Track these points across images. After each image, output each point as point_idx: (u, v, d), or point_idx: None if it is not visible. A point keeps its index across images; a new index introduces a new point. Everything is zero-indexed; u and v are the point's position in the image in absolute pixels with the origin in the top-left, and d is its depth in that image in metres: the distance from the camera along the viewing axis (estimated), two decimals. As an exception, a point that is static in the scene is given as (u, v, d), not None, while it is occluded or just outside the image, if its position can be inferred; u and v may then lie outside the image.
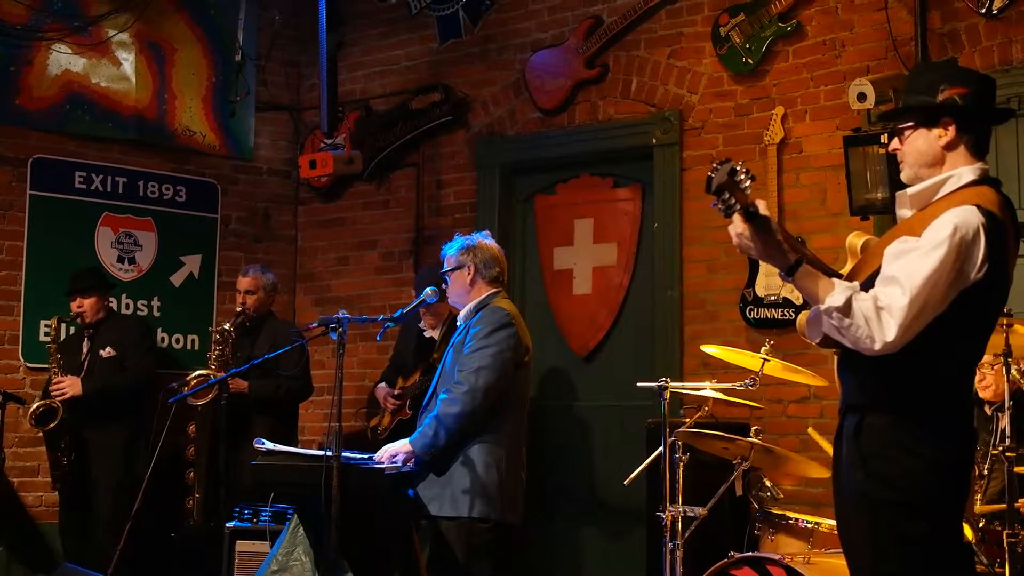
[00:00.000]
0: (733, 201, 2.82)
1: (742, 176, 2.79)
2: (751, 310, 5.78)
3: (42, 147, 6.83)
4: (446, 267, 4.91)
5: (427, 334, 6.05)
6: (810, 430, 4.88)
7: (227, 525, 5.54)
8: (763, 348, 4.58)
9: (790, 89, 5.87)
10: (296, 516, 4.78)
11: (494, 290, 4.85)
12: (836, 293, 2.88)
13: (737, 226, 2.91)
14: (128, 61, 7.12)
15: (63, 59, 6.89)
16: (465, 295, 4.85)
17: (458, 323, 4.89)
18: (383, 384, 6.19)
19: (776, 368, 4.60)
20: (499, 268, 4.91)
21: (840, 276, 3.06)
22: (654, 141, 6.25)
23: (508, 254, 5.15)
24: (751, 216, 2.86)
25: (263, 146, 7.65)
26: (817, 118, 5.77)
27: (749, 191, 2.82)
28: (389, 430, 5.99)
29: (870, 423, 2.97)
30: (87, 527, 6.19)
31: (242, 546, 5.46)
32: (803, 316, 3.19)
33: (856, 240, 3.31)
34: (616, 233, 6.53)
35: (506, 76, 6.87)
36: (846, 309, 2.85)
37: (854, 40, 5.68)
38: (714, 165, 2.83)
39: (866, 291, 2.91)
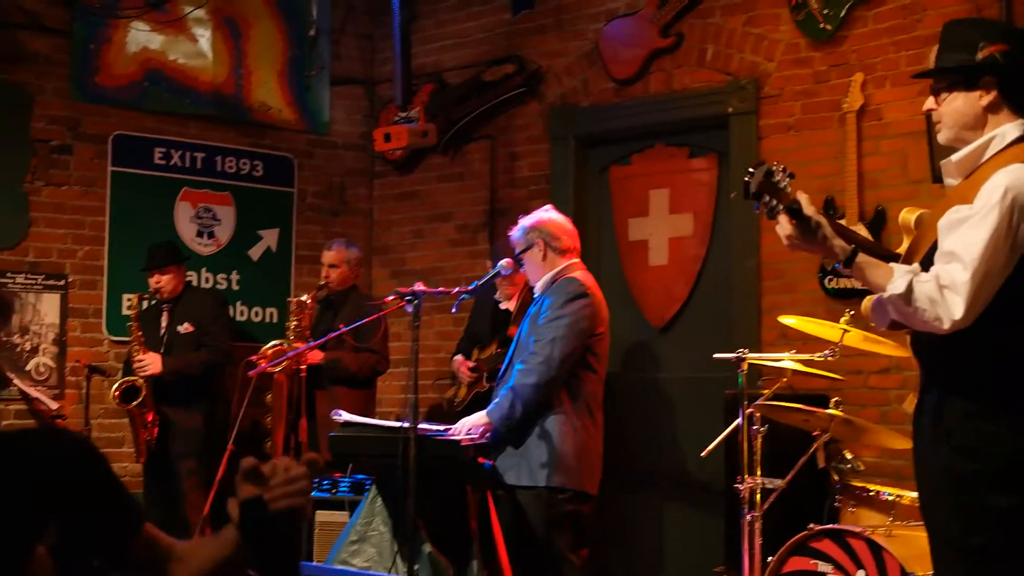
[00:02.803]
0: (775, 202, 2.78)
1: (779, 176, 2.75)
2: (830, 280, 5.70)
3: (122, 124, 6.93)
4: (517, 250, 4.91)
5: (502, 306, 6.05)
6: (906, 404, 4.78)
7: (306, 496, 5.60)
8: (843, 318, 4.51)
9: (869, 55, 5.75)
10: (374, 487, 4.83)
11: (569, 261, 4.84)
12: (896, 279, 2.82)
13: (784, 227, 2.87)
14: (205, 37, 7.19)
15: (141, 37, 6.98)
16: (541, 271, 4.85)
17: (535, 295, 4.89)
18: (460, 356, 6.21)
19: (856, 338, 4.53)
20: (568, 237, 4.90)
21: (898, 257, 2.99)
22: (730, 110, 6.17)
23: (582, 226, 5.13)
24: (796, 214, 2.82)
25: (338, 120, 7.69)
26: (898, 84, 5.64)
27: (789, 189, 2.77)
28: (466, 402, 6.01)
29: (951, 398, 2.91)
30: (170, 498, 6.31)
31: (321, 516, 5.53)
32: (867, 302, 3.13)
33: (909, 216, 3.23)
34: (692, 203, 6.47)
35: (580, 46, 6.82)
36: (908, 295, 2.79)
37: (936, 4, 5.54)
38: (749, 169, 2.79)
39: (925, 268, 2.84)
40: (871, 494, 4.46)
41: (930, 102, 3.10)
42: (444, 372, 6.54)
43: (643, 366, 6.57)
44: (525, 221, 4.93)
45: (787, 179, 2.78)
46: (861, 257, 2.88)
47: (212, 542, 2.03)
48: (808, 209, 2.84)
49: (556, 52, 6.92)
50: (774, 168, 2.76)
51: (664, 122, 6.49)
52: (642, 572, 6.44)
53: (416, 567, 4.39)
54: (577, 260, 4.89)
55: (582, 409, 4.67)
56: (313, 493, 5.52)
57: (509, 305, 6.02)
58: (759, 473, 4.58)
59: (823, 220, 2.87)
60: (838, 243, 2.88)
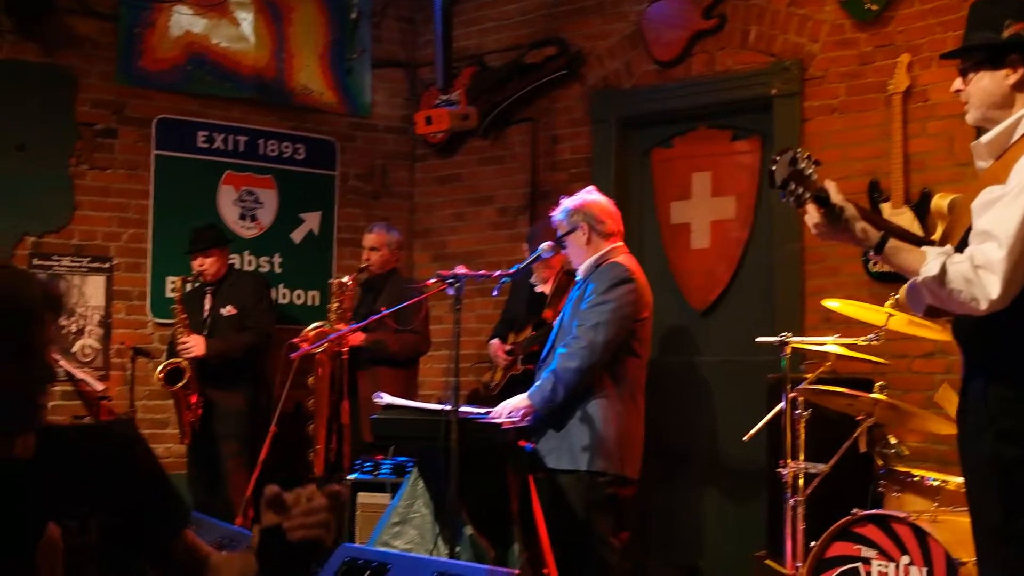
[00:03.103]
0: (801, 191, 2.75)
1: (803, 164, 2.71)
2: (874, 263, 5.64)
3: (166, 107, 6.97)
4: (560, 232, 4.88)
5: (538, 289, 6.04)
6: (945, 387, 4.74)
7: (348, 477, 5.64)
8: (887, 302, 4.47)
9: (916, 36, 5.68)
10: (416, 469, 4.85)
11: (613, 244, 4.81)
12: (929, 262, 2.78)
13: (812, 216, 2.83)
14: (247, 21, 7.22)
15: (184, 20, 7.01)
16: (584, 255, 4.82)
17: (577, 279, 4.87)
18: (496, 340, 6.21)
19: (901, 322, 4.48)
20: (612, 221, 4.86)
21: (933, 244, 2.95)
22: (774, 92, 6.12)
23: (624, 209, 5.09)
24: (823, 202, 2.78)
25: (379, 103, 7.70)
26: (944, 65, 5.56)
27: (815, 177, 2.74)
28: (501, 385, 6.01)
29: (994, 384, 2.88)
30: (214, 479, 6.36)
31: (363, 498, 5.56)
32: (904, 290, 3.09)
33: (942, 201, 3.19)
34: (735, 186, 6.43)
35: (622, 28, 6.78)
36: (942, 276, 2.75)
37: (984, -17, 5.46)
38: (774, 158, 2.75)
39: (961, 252, 2.80)
40: (916, 479, 4.43)
41: (958, 82, 3.05)
42: (485, 355, 6.55)
43: (685, 350, 6.55)
44: (568, 203, 4.88)
45: (813, 167, 2.74)
46: (891, 242, 2.84)
47: (241, 559, 2.07)
48: (835, 197, 2.80)
49: (598, 34, 6.89)
50: (798, 155, 2.73)
51: (706, 104, 6.44)
52: (683, 556, 6.43)
53: (458, 549, 4.40)
54: (621, 244, 4.85)
55: (624, 393, 4.66)
56: (355, 475, 5.59)
57: (544, 288, 6.01)
58: (802, 457, 4.56)
59: (851, 207, 2.84)
60: (869, 230, 2.84)
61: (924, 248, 2.86)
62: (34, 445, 2.01)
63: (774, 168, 2.77)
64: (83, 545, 1.95)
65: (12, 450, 1.97)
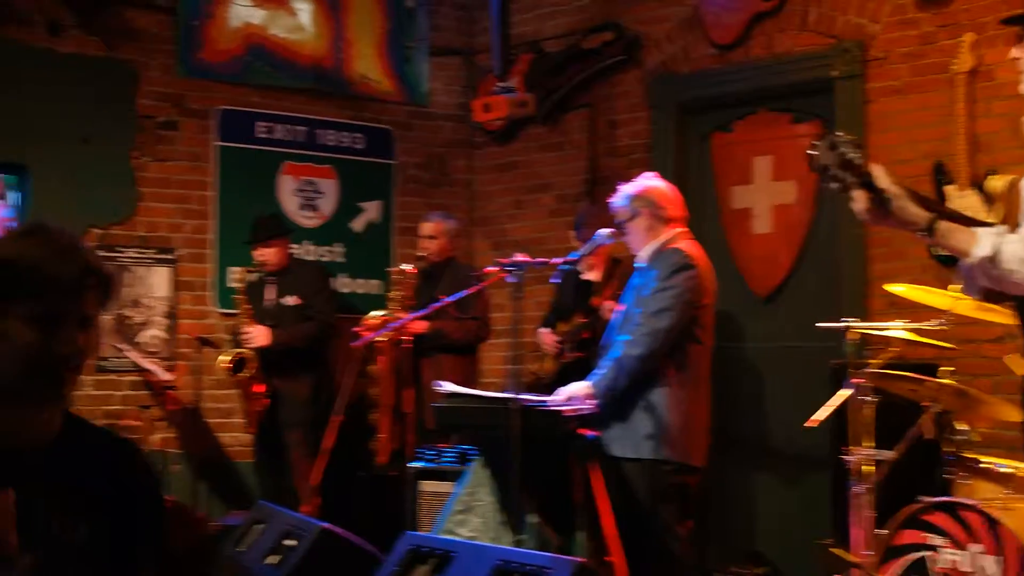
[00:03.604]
0: (845, 175, 2.68)
1: (844, 148, 2.65)
2: (934, 246, 5.56)
3: (226, 98, 7.03)
4: (619, 219, 4.85)
5: (585, 277, 6.03)
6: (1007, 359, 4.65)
7: (412, 465, 5.67)
8: (953, 286, 4.39)
9: (980, 14, 5.58)
10: (479, 457, 4.86)
11: (675, 230, 4.78)
12: (981, 242, 2.71)
13: (859, 201, 2.77)
14: (305, 11, 7.26)
15: (243, 11, 7.06)
16: (645, 241, 4.78)
17: (637, 265, 4.84)
18: (545, 328, 6.19)
19: (968, 306, 4.39)
20: (674, 206, 4.83)
21: (990, 227, 2.88)
22: (835, 74, 6.04)
23: (683, 195, 5.05)
24: (869, 187, 2.72)
25: (437, 91, 7.71)
26: (1011, 43, 5.45)
27: (860, 160, 2.67)
28: (553, 375, 6.00)
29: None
30: (280, 468, 6.42)
31: (426, 486, 5.58)
32: (959, 272, 3.02)
33: (997, 182, 3.09)
34: (796, 170, 6.36)
35: (679, 12, 6.73)
36: (995, 256, 2.68)
37: (1052, -41, 5.35)
38: (813, 143, 2.69)
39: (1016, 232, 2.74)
40: (985, 466, 4.36)
41: (1015, 50, 2.96)
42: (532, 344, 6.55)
43: (747, 336, 6.51)
44: (628, 189, 4.85)
45: (856, 151, 2.68)
46: (942, 224, 2.77)
47: None
48: (882, 181, 2.74)
49: (655, 18, 6.84)
50: (839, 140, 2.66)
51: (766, 87, 6.38)
52: (746, 543, 6.40)
53: (521, 537, 4.41)
54: (683, 229, 4.82)
55: (687, 380, 4.63)
56: (418, 463, 5.62)
57: (592, 276, 5.99)
58: (868, 444, 4.50)
59: (899, 191, 2.77)
60: (919, 213, 2.78)
61: (976, 229, 2.79)
62: (56, 431, 1.95)
63: (814, 154, 2.71)
64: (66, 543, 1.91)
65: (32, 428, 1.91)
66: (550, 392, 4.80)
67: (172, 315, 6.81)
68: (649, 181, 4.88)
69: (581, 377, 4.73)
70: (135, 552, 2.00)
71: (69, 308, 1.87)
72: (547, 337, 6.09)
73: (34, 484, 1.88)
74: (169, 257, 6.82)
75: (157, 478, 2.12)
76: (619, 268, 5.95)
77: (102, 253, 6.38)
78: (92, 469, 1.97)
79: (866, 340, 5.47)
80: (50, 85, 6.47)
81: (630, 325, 4.63)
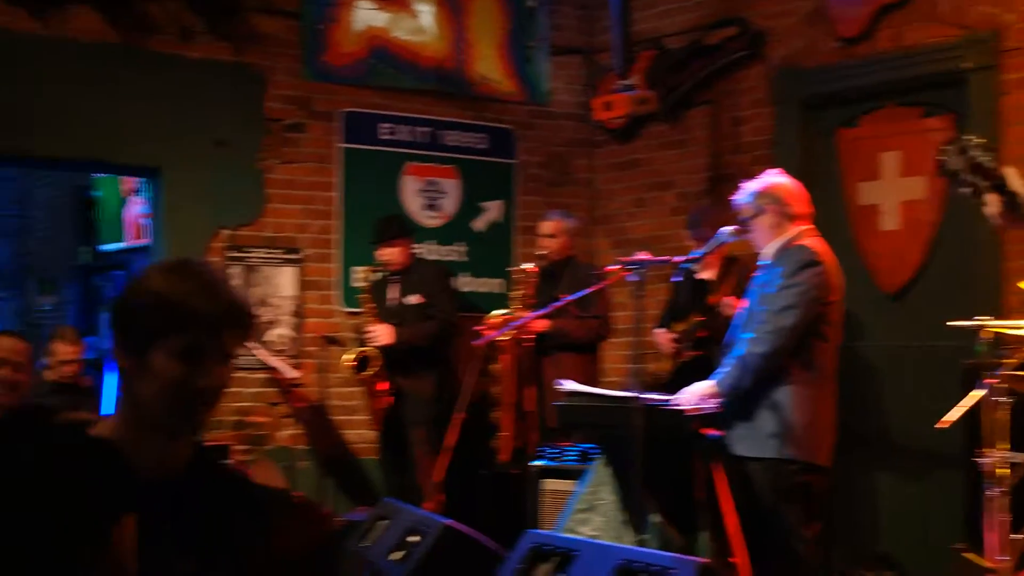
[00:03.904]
0: (976, 180, 2.60)
1: (975, 152, 2.56)
2: (1078, 243, 5.38)
3: (350, 101, 7.13)
4: (744, 216, 4.80)
5: (700, 276, 5.96)
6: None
7: (534, 464, 5.68)
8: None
9: (1122, 0, 5.38)
10: (601, 456, 4.85)
11: (801, 228, 4.70)
12: None
13: (991, 205, 2.68)
14: (427, 13, 7.33)
15: (366, 14, 7.16)
16: (770, 238, 4.72)
17: (762, 262, 4.78)
18: (660, 328, 6.14)
19: (1110, 305, 4.25)
20: (800, 203, 4.75)
21: None
22: (967, 66, 5.87)
23: (809, 191, 4.97)
24: (1001, 190, 2.63)
25: (558, 90, 7.72)
26: None
27: (991, 164, 2.58)
28: (670, 375, 5.95)
29: None
30: (403, 465, 6.50)
31: (549, 484, 5.58)
32: None
33: None
34: (926, 166, 6.19)
35: (804, 6, 6.61)
36: None
37: None
38: (942, 147, 2.61)
39: None
40: None
41: None
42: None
43: (874, 334, 6.37)
44: (753, 186, 4.79)
45: (987, 154, 2.60)
46: None
47: None
48: (1015, 183, 2.66)
49: (779, 12, 6.74)
50: (969, 144, 2.58)
51: (894, 81, 6.24)
52: (875, 546, 6.26)
53: (644, 537, 4.38)
54: (809, 226, 4.74)
55: (814, 379, 4.55)
56: (540, 461, 5.63)
57: (707, 275, 5.93)
58: (1003, 446, 4.37)
59: None
60: None
61: None
62: (185, 462, 1.99)
63: (944, 159, 2.64)
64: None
65: (165, 459, 1.95)
66: (667, 392, 4.76)
67: (298, 314, 6.94)
68: (774, 178, 4.82)
69: (697, 376, 4.69)
70: None
71: (212, 343, 1.90)
72: (663, 337, 6.05)
73: (158, 514, 1.92)
74: (295, 257, 6.95)
75: (269, 522, 2.11)
76: (735, 266, 5.89)
77: (231, 254, 6.59)
78: (212, 505, 2.00)
79: (1000, 339, 5.32)
80: (182, 90, 6.64)
81: (754, 323, 4.57)
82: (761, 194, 4.73)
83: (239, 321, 1.95)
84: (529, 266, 6.42)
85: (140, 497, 1.90)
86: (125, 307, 1.93)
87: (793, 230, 4.68)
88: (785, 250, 4.64)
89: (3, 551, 1.81)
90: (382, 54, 7.20)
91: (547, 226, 6.58)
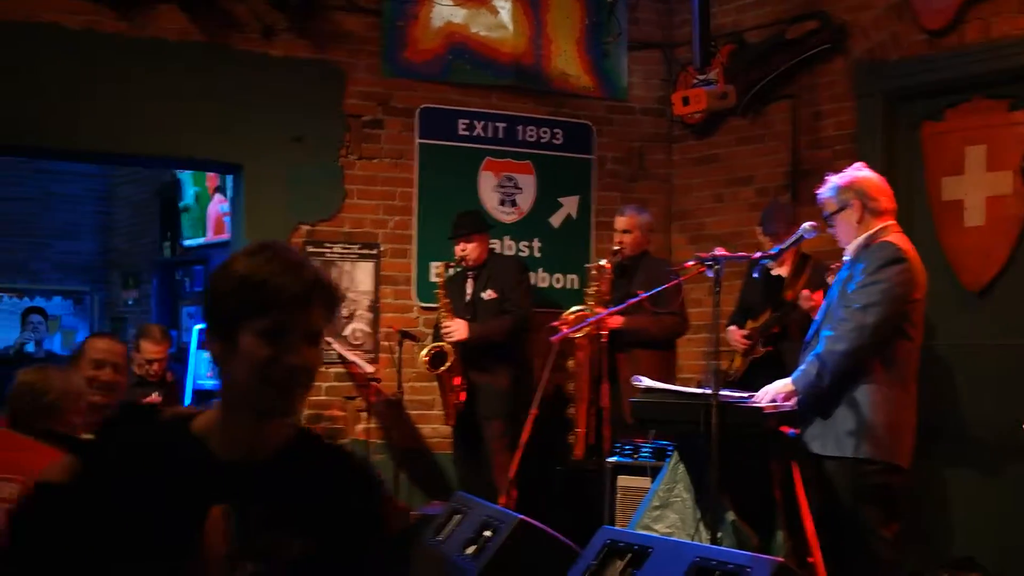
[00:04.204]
0: None
1: None
2: None
3: (428, 97, 7.16)
4: (827, 211, 4.72)
5: (774, 272, 5.89)
6: None
7: (608, 460, 5.66)
8: None
9: None
10: (676, 453, 4.82)
11: (884, 223, 4.62)
12: None
13: None
14: (505, 9, 7.33)
15: (445, 11, 7.18)
16: (854, 234, 4.63)
17: (845, 258, 4.70)
18: (732, 326, 6.07)
19: None
20: (885, 198, 4.67)
21: None
22: (1058, 57, 5.73)
23: (892, 186, 4.88)
24: None
25: (636, 85, 7.68)
26: None
27: None
28: (742, 372, 5.89)
29: None
30: (478, 459, 6.51)
31: (623, 481, 5.56)
32: None
33: None
34: (1013, 160, 6.06)
35: (887, -1, 6.50)
36: None
37: None
38: None
39: None
40: None
41: None
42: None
43: (958, 333, 6.24)
44: (837, 180, 4.70)
45: None
46: None
47: None
48: None
49: (862, 5, 6.63)
50: None
51: (981, 73, 6.09)
52: (958, 549, 6.14)
53: (719, 535, 4.35)
54: (893, 222, 4.65)
55: (895, 378, 4.47)
56: (615, 458, 5.61)
57: (780, 271, 5.86)
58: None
59: None
60: None
61: None
62: (284, 444, 2.00)
63: None
64: (281, 559, 1.92)
65: (259, 441, 1.97)
66: (739, 389, 4.72)
67: (375, 309, 6.99)
68: (859, 172, 4.73)
69: (770, 373, 4.64)
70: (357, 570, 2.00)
71: (296, 321, 1.91)
72: (736, 334, 5.98)
73: (255, 497, 1.94)
74: (373, 252, 7.00)
75: (382, 502, 2.12)
76: (809, 262, 5.83)
77: (310, 249, 6.66)
78: (316, 486, 2.01)
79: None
80: (264, 87, 6.72)
81: (834, 320, 4.50)
82: (845, 188, 4.65)
83: (322, 298, 1.95)
84: (604, 262, 6.40)
85: (232, 483, 1.93)
86: (212, 292, 1.95)
87: (877, 225, 4.60)
88: (869, 246, 4.56)
89: (106, 540, 1.85)
90: (460, 50, 7.21)
91: (621, 221, 6.55)
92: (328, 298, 1.97)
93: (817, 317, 4.76)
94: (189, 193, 9.87)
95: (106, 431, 2.04)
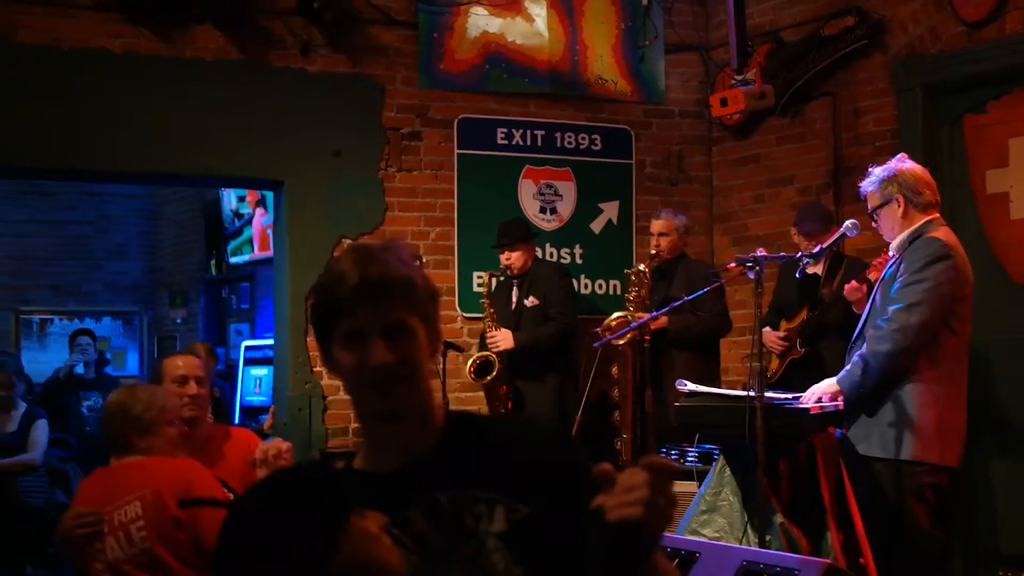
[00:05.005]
0: None
1: None
2: None
3: (466, 107, 7.19)
4: (871, 206, 4.66)
5: (809, 270, 5.83)
6: None
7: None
8: None
9: None
10: (722, 456, 4.79)
11: (929, 217, 4.54)
12: None
13: None
14: (540, 17, 7.34)
15: (480, 21, 7.21)
16: (898, 228, 4.55)
17: (890, 254, 4.63)
18: (767, 328, 6.01)
19: None
20: (929, 191, 4.59)
21: None
22: (1101, 46, 5.65)
23: (935, 180, 4.82)
24: None
25: (673, 88, 7.65)
26: None
27: None
28: (779, 373, 5.83)
29: None
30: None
31: (670, 486, 5.53)
32: None
33: None
34: (1058, 150, 5.99)
35: (924, -8, 6.44)
36: None
37: None
38: None
39: None
40: None
41: None
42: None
43: (1006, 327, 6.15)
44: (880, 173, 4.60)
45: None
46: None
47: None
48: None
49: (898, 0, 6.57)
50: None
51: (1023, 64, 6.02)
52: (1011, 547, 6.05)
53: (768, 538, 4.32)
54: (938, 216, 4.57)
55: (943, 376, 4.41)
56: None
57: (816, 269, 5.80)
58: None
59: None
60: None
61: None
62: (435, 436, 1.95)
63: None
64: (485, 534, 1.86)
65: (398, 442, 1.92)
66: (780, 390, 4.68)
67: (420, 320, 6.99)
68: (902, 164, 4.64)
69: (808, 373, 4.60)
70: (577, 520, 1.86)
71: (368, 320, 1.85)
72: (771, 336, 5.93)
73: (427, 489, 1.88)
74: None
75: (574, 448, 2.01)
76: (844, 261, 5.77)
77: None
78: (498, 455, 1.94)
79: None
80: (302, 103, 6.78)
81: (879, 319, 4.45)
82: (889, 181, 4.56)
83: (391, 289, 1.87)
84: (642, 266, 6.39)
85: (390, 492, 1.86)
86: (310, 313, 1.93)
87: (922, 220, 4.52)
88: (915, 242, 4.48)
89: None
90: (497, 59, 7.23)
91: (658, 224, 6.53)
92: (402, 287, 1.88)
93: (863, 315, 4.70)
94: (232, 209, 9.96)
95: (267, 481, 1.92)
